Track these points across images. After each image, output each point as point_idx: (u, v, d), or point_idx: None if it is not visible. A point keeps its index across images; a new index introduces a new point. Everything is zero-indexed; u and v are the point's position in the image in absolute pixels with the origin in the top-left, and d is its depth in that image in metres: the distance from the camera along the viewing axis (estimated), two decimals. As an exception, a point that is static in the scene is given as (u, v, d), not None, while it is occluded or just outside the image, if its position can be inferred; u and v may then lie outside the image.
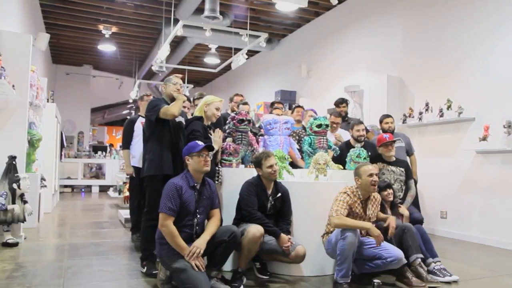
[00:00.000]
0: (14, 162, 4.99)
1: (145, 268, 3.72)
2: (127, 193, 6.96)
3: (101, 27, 10.50)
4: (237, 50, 9.12)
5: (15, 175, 4.87)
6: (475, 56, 5.71)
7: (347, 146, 5.03)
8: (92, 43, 11.84)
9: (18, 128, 5.30)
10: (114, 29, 10.67)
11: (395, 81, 6.87)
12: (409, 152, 5.62)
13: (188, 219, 3.18)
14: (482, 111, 5.52)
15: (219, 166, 3.96)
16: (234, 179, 3.92)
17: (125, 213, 6.36)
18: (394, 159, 4.62)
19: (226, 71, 13.92)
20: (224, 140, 4.22)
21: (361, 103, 7.61)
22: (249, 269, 3.70)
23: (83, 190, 13.10)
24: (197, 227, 3.24)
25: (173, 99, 3.79)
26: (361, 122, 5.29)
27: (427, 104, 6.19)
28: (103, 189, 13.08)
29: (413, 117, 6.45)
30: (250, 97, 11.88)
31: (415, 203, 4.74)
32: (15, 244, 4.69)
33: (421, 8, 6.68)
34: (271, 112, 5.76)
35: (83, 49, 12.82)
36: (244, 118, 4.37)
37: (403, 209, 4.18)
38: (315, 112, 5.53)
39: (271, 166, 3.63)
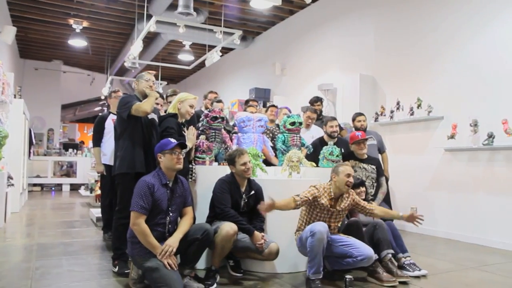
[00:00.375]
0: (-22, 160, 4.82)
1: (117, 267, 3.66)
2: (99, 192, 6.82)
3: (71, 21, 10.23)
4: (211, 47, 9.06)
5: (-20, 173, 4.70)
6: (443, 55, 5.86)
7: (320, 143, 5.07)
8: (62, 37, 11.53)
9: (-17, 125, 5.11)
10: (85, 23, 10.42)
11: (368, 80, 6.98)
12: (381, 150, 5.72)
13: (161, 217, 3.14)
14: (450, 110, 5.68)
15: (193, 163, 3.93)
16: (208, 176, 3.90)
17: (97, 212, 6.24)
18: (366, 156, 4.70)
19: (200, 68, 13.83)
20: (197, 137, 4.19)
21: (334, 101, 7.70)
22: (223, 267, 3.69)
23: (53, 188, 12.77)
24: (169, 226, 3.20)
25: (145, 95, 3.73)
26: (335, 119, 5.35)
27: (398, 103, 6.32)
28: (74, 187, 12.79)
29: (384, 115, 6.57)
30: (225, 94, 11.86)
31: (386, 199, 4.84)
32: (-20, 245, 4.54)
33: (392, 9, 6.80)
34: (245, 110, 5.76)
35: (52, 44, 12.46)
36: (218, 116, 4.35)
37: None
38: (289, 110, 5.56)
39: (244, 164, 3.63)
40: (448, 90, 5.74)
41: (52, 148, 13.60)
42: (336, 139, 5.18)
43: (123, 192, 3.59)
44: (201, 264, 3.70)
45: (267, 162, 4.95)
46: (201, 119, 4.49)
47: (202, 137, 4.21)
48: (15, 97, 7.83)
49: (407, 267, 3.77)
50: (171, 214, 3.20)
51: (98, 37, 11.52)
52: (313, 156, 4.84)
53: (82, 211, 7.85)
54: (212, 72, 13.25)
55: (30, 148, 10.55)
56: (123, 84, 15.59)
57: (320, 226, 3.30)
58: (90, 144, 13.91)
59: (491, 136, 5.00)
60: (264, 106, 9.59)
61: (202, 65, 10.27)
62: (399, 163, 6.27)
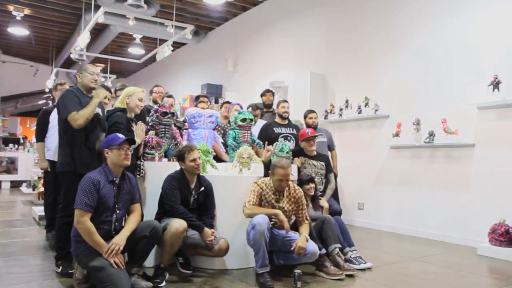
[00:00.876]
0: None
1: (60, 267, 3.51)
2: (42, 189, 6.51)
3: (11, 7, 9.63)
4: (163, 41, 8.88)
5: None
6: (388, 56, 6.10)
7: (271, 126, 5.25)
8: (1, 25, 10.85)
9: None
10: (26, 11, 9.85)
11: (318, 78, 7.12)
12: (331, 147, 5.86)
13: (107, 215, 3.04)
14: (395, 109, 5.92)
15: (141, 160, 3.84)
16: (157, 173, 3.82)
17: (39, 210, 5.95)
18: (315, 153, 4.79)
19: (151, 63, 13.55)
20: (146, 133, 4.10)
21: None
22: (172, 264, 3.64)
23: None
24: (116, 223, 3.11)
25: (89, 89, 3.60)
26: (286, 101, 5.50)
27: (347, 101, 6.50)
28: (15, 184, 12.11)
29: (334, 113, 6.74)
30: (176, 89, 11.68)
31: (335, 195, 4.95)
32: None
33: (342, 9, 6.97)
34: (196, 106, 5.70)
35: (-10, 32, 11.73)
36: (168, 111, 4.27)
37: (323, 202, 4.34)
38: (241, 107, 5.56)
39: (194, 160, 3.59)
40: (393, 90, 5.97)
41: (-10, 143, 12.80)
42: (286, 120, 5.29)
43: (67, 189, 3.44)
44: (149, 261, 3.63)
45: (218, 159, 4.94)
46: (150, 114, 4.39)
47: (152, 132, 4.12)
48: None
49: (354, 260, 3.90)
50: (117, 211, 3.11)
51: (41, 26, 10.96)
52: (265, 139, 4.89)
53: (24, 210, 7.45)
54: (163, 67, 13.00)
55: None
56: (69, 76, 14.94)
57: (260, 218, 3.35)
58: (33, 139, 13.27)
59: (431, 134, 5.27)
60: (216, 102, 9.57)
61: (153, 59, 10.06)
62: (347, 159, 6.45)
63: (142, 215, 3.45)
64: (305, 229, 3.61)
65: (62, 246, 3.51)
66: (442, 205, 5.31)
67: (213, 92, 9.84)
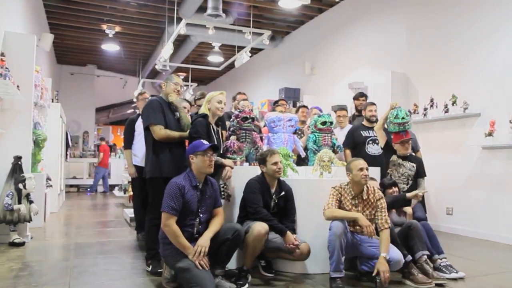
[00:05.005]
0: (19, 162, 5.00)
1: (150, 266, 3.72)
2: (132, 193, 6.97)
3: (104, 26, 10.52)
4: (241, 48, 9.10)
5: (21, 175, 4.88)
6: (480, 51, 5.66)
7: (358, 128, 5.21)
8: (95, 42, 11.88)
9: (23, 129, 5.30)
10: (117, 28, 10.68)
11: (400, 77, 6.83)
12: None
13: (190, 218, 3.17)
14: (487, 106, 5.48)
15: (225, 184, 3.86)
16: (239, 177, 3.90)
17: (130, 212, 6.37)
18: (408, 153, 4.58)
19: (230, 69, 13.92)
20: (228, 138, 4.22)
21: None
22: (254, 267, 3.69)
23: (88, 190, 13.13)
24: (200, 226, 3.22)
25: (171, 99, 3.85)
26: (373, 104, 5.35)
27: (432, 100, 6.16)
28: (110, 188, 13.13)
29: (418, 113, 6.41)
30: (254, 94, 11.89)
31: (421, 200, 4.69)
32: (22, 244, 4.71)
33: (425, 4, 6.63)
34: (273, 110, 5.74)
35: (87, 49, 12.85)
36: (248, 116, 4.35)
37: (407, 208, 4.11)
38: (320, 110, 5.51)
39: (275, 163, 3.62)
40: (485, 86, 5.54)
41: (87, 150, 14.01)
42: (375, 123, 5.17)
43: (154, 194, 3.66)
44: (232, 264, 3.71)
45: (298, 162, 4.94)
46: (231, 119, 4.51)
47: (233, 137, 4.22)
48: (52, 101, 8.10)
49: (443, 269, 3.66)
50: (201, 215, 3.22)
51: (130, 41, 11.79)
52: (352, 143, 4.99)
53: (117, 212, 8.05)
54: (241, 73, 13.30)
55: (66, 151, 10.93)
56: (154, 86, 15.89)
57: (338, 221, 3.29)
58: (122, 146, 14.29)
59: (532, 133, 4.80)
60: (294, 106, 9.57)
61: (231, 66, 10.34)
62: (434, 161, 6.08)
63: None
64: (385, 237, 3.37)
65: (152, 247, 3.73)
66: (546, 211, 4.81)
67: (291, 96, 9.85)
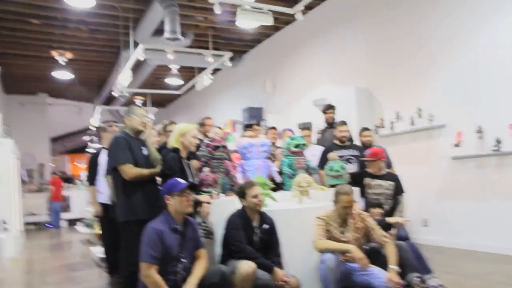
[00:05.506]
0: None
1: None
2: (99, 231, 6.56)
3: (55, 53, 10.02)
4: (200, 69, 8.93)
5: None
6: (440, 63, 5.79)
7: (329, 149, 5.09)
8: (46, 70, 11.29)
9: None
10: (68, 55, 10.20)
11: (363, 93, 6.88)
12: (389, 165, 5.57)
13: (173, 265, 2.94)
14: (452, 117, 5.59)
15: (205, 221, 3.66)
16: (216, 210, 3.71)
17: (98, 251, 5.96)
18: (383, 172, 4.54)
19: (190, 90, 13.68)
20: (200, 170, 4.02)
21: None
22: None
23: (47, 225, 12.34)
24: (183, 272, 3.00)
25: (138, 132, 3.62)
26: (344, 123, 5.24)
27: (397, 114, 6.22)
28: (72, 223, 12.45)
29: (384, 127, 6.46)
30: (217, 115, 11.66)
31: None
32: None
33: (383, 18, 6.74)
34: (244, 133, 5.58)
35: (36, 77, 12.24)
36: (220, 145, 4.20)
37: (393, 219, 4.02)
38: (292, 132, 5.40)
39: (256, 196, 3.45)
40: (448, 97, 5.65)
41: (43, 184, 13.24)
42: (346, 143, 5.14)
43: (129, 239, 3.39)
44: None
45: (274, 187, 4.80)
46: (201, 148, 4.32)
47: (206, 169, 4.03)
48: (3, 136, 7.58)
49: (436, 289, 3.61)
50: (183, 260, 3.00)
51: (83, 67, 11.34)
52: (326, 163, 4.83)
53: (82, 251, 7.50)
54: (201, 94, 13.03)
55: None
56: (111, 112, 15.37)
57: (330, 254, 3.19)
58: (82, 176, 13.62)
59: (499, 141, 4.90)
60: (257, 125, 9.44)
61: (191, 87, 10.12)
62: (404, 174, 6.03)
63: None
64: (390, 250, 3.33)
65: None
66: (518, 217, 4.91)
67: (255, 115, 9.73)
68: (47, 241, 9.67)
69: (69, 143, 18.80)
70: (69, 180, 13.54)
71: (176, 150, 3.62)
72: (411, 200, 6.09)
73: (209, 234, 3.67)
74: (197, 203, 3.60)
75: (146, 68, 10.47)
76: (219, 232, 3.56)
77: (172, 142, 3.72)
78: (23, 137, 12.67)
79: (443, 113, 5.67)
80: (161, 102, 15.80)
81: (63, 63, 10.37)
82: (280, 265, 3.44)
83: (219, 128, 5.38)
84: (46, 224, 12.23)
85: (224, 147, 4.28)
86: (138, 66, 10.50)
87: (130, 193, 3.44)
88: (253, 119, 9.64)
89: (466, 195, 5.47)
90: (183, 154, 3.69)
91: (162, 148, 3.88)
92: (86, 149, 18.09)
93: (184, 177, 3.54)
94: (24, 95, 13.88)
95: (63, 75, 10.82)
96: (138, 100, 13.51)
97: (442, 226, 5.79)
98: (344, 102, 7.04)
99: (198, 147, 4.58)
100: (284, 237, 3.63)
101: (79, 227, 9.81)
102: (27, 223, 11.96)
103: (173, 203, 3.00)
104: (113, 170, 3.53)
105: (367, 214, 3.54)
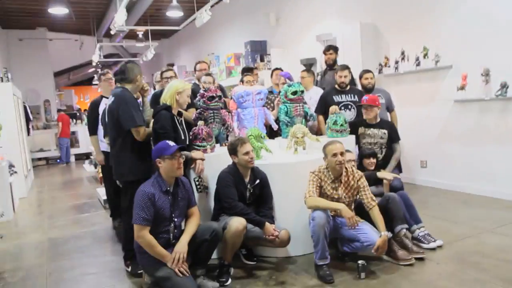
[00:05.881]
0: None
1: (130, 267, 3.61)
2: (101, 175, 6.72)
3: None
4: (199, 3, 8.49)
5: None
6: (450, 1, 5.42)
7: (329, 94, 5.02)
8: (42, 4, 10.89)
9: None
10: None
11: (369, 28, 6.55)
12: (389, 108, 5.46)
13: (164, 225, 3.03)
14: (459, 58, 5.34)
15: (200, 176, 3.68)
16: (212, 165, 3.73)
17: (104, 193, 6.16)
18: (377, 120, 4.46)
19: (191, 23, 13.19)
20: (195, 122, 3.99)
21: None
22: (236, 256, 3.62)
23: (58, 160, 12.70)
24: (175, 231, 3.10)
25: (140, 91, 3.69)
26: (346, 68, 5.08)
27: (403, 53, 5.97)
28: (79, 157, 12.79)
29: (389, 66, 6.25)
30: (219, 48, 11.41)
31: (397, 165, 4.65)
32: (-7, 247, 4.52)
33: None
34: (241, 81, 5.45)
35: (33, 12, 11.80)
36: (215, 95, 4.12)
37: (382, 173, 4.00)
38: (289, 78, 5.25)
39: (247, 153, 3.45)
40: (457, 38, 5.36)
41: (50, 121, 13.38)
42: (347, 88, 5.03)
43: (126, 195, 3.48)
44: (214, 254, 3.62)
45: (272, 135, 4.80)
46: (197, 99, 4.25)
47: (200, 122, 3.99)
48: (1, 80, 7.52)
49: (422, 239, 3.70)
50: (175, 219, 3.08)
51: (78, 1, 10.87)
52: (324, 109, 4.84)
53: (90, 191, 7.69)
54: (203, 26, 12.60)
55: (28, 125, 10.40)
56: (116, 48, 15.02)
57: (320, 211, 3.21)
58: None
59: (504, 86, 4.73)
60: (261, 60, 9.21)
61: (191, 21, 9.73)
62: (406, 115, 6.02)
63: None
64: (376, 214, 3.33)
65: (130, 248, 3.57)
66: (517, 162, 4.87)
67: (258, 49, 9.44)
68: (55, 178, 9.96)
69: (74, 76, 18.66)
70: (75, 116, 13.63)
71: (168, 108, 3.57)
72: (412, 141, 6.12)
73: (205, 188, 3.73)
74: (190, 160, 3.62)
75: (144, 0, 10.03)
76: (214, 186, 3.60)
77: (166, 99, 3.65)
78: (25, 73, 12.64)
79: (450, 54, 5.42)
80: (164, 33, 15.34)
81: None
82: (271, 219, 3.53)
83: (209, 75, 5.18)
84: (57, 160, 12.56)
85: (220, 97, 4.19)
86: (136, -2, 10.07)
87: (137, 153, 3.50)
88: (256, 53, 9.40)
89: (467, 139, 5.41)
90: (175, 111, 3.64)
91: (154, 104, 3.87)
92: (93, 82, 18.03)
93: (177, 135, 3.54)
94: (23, 30, 13.49)
95: (59, 11, 10.41)
96: (140, 32, 13.12)
97: (441, 168, 5.80)
98: (349, 38, 6.77)
99: (193, 91, 4.53)
100: (277, 191, 3.69)
101: (87, 165, 10.08)
102: (38, 159, 12.32)
103: (164, 166, 3.01)
104: (120, 129, 3.48)
105: (361, 174, 3.51)
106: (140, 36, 13.38)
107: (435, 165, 5.90)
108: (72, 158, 12.83)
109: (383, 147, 4.43)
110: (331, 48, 6.07)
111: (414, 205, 3.89)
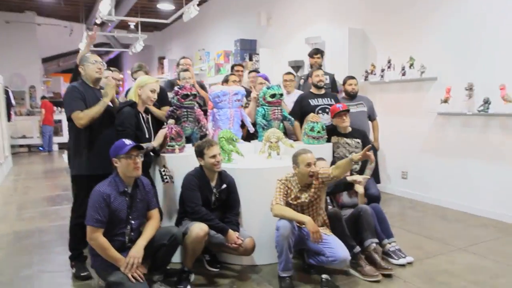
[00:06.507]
0: None
1: (74, 269, 3.44)
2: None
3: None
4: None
5: None
6: (439, 13, 5.32)
7: (306, 98, 4.90)
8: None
9: None
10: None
11: (357, 34, 6.44)
12: (372, 117, 5.36)
13: (120, 227, 2.88)
14: (444, 71, 5.26)
15: (165, 167, 3.55)
16: (178, 166, 3.59)
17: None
18: (349, 130, 4.35)
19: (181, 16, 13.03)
20: (166, 119, 3.85)
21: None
22: (199, 261, 3.50)
23: (40, 148, 12.47)
24: (132, 234, 2.94)
25: (95, 80, 3.43)
26: (319, 68, 5.08)
27: (389, 61, 5.87)
28: (62, 146, 12.55)
29: (375, 74, 6.14)
30: (210, 45, 11.25)
31: (375, 173, 4.54)
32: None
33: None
34: (226, 80, 5.32)
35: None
36: (189, 93, 3.97)
37: (358, 187, 3.90)
38: (266, 79, 5.12)
39: (214, 156, 3.31)
40: (443, 51, 5.27)
41: (35, 107, 13.12)
42: (323, 89, 4.91)
43: (79, 191, 3.37)
44: (176, 258, 3.49)
45: (248, 138, 4.69)
46: (171, 96, 4.11)
47: (171, 121, 3.86)
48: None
49: (392, 254, 3.60)
50: (132, 222, 2.93)
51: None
52: (299, 113, 4.76)
53: (66, 182, 7.52)
54: (195, 20, 12.44)
55: (9, 110, 10.17)
56: (108, 38, 14.75)
57: (285, 221, 3.09)
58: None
59: (487, 102, 4.64)
60: (250, 59, 9.08)
61: (179, 15, 9.57)
62: (390, 124, 5.94)
63: (162, 214, 3.38)
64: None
65: (75, 247, 3.46)
66: (496, 180, 4.79)
67: (247, 48, 9.31)
68: (34, 167, 9.74)
69: (64, 63, 18.37)
70: (60, 104, 13.37)
71: (132, 104, 3.42)
72: (394, 151, 6.02)
73: (171, 178, 3.57)
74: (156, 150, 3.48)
75: (135, -9, 9.85)
76: (180, 189, 3.46)
77: (131, 95, 3.53)
78: (10, 57, 12.36)
79: (436, 66, 5.32)
80: (156, 26, 15.12)
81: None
82: (236, 225, 3.40)
83: (187, 70, 5.00)
84: (39, 148, 12.32)
85: (195, 95, 4.04)
86: (127, -12, 9.89)
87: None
88: (246, 52, 9.26)
89: (448, 153, 5.32)
90: (141, 108, 3.50)
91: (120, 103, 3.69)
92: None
93: (141, 133, 3.40)
94: (10, 12, 13.19)
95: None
96: (131, 23, 12.90)
97: (421, 180, 5.71)
98: (337, 42, 6.66)
99: (172, 86, 4.38)
100: (244, 196, 3.56)
101: (65, 155, 9.86)
102: (20, 145, 12.08)
103: (120, 166, 2.86)
104: (69, 121, 3.37)
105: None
106: (132, 27, 13.16)
107: (415, 176, 5.81)
108: (56, 147, 12.60)
109: (358, 156, 4.30)
110: (319, 52, 5.97)
111: (387, 219, 3.78)
